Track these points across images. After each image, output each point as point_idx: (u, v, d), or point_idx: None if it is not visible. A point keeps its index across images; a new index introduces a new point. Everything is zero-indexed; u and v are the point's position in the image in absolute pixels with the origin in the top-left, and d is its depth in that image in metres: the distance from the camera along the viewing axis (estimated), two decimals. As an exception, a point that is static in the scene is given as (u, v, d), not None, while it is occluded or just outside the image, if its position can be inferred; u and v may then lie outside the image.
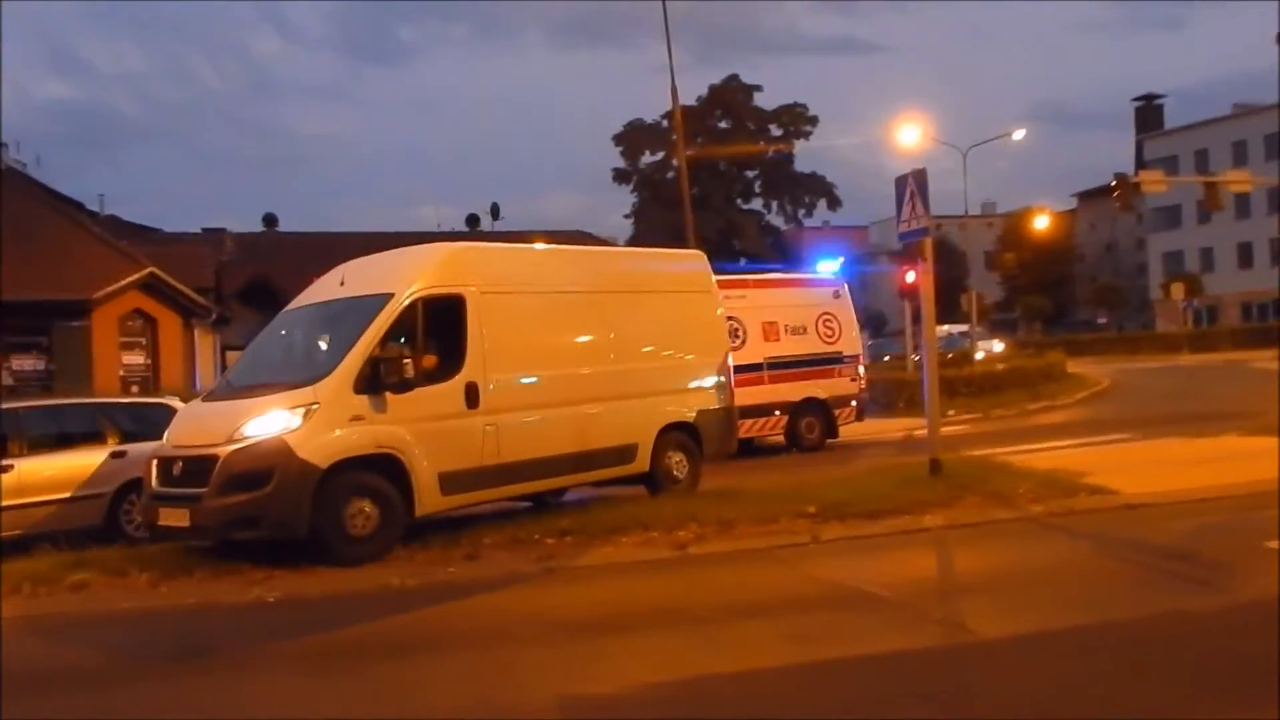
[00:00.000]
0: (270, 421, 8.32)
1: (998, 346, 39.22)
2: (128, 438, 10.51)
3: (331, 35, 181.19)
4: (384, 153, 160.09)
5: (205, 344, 24.98)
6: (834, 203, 60.14)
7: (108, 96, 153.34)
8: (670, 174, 52.62)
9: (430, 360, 9.15)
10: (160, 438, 9.19)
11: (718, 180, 57.40)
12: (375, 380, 8.57)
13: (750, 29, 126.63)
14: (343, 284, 9.80)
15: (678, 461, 10.99)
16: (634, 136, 58.22)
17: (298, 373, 8.93)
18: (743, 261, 40.86)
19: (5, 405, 11.03)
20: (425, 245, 10.30)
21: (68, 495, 10.02)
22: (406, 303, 9.04)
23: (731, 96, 58.60)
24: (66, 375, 19.82)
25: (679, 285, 11.73)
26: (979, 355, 31.10)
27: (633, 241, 50.87)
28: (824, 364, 17.16)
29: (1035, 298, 65.76)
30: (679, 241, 22.07)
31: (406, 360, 8.66)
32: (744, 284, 16.79)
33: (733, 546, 8.55)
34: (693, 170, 33.73)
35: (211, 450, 8.34)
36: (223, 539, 8.49)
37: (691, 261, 12.53)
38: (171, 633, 7.02)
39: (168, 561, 8.43)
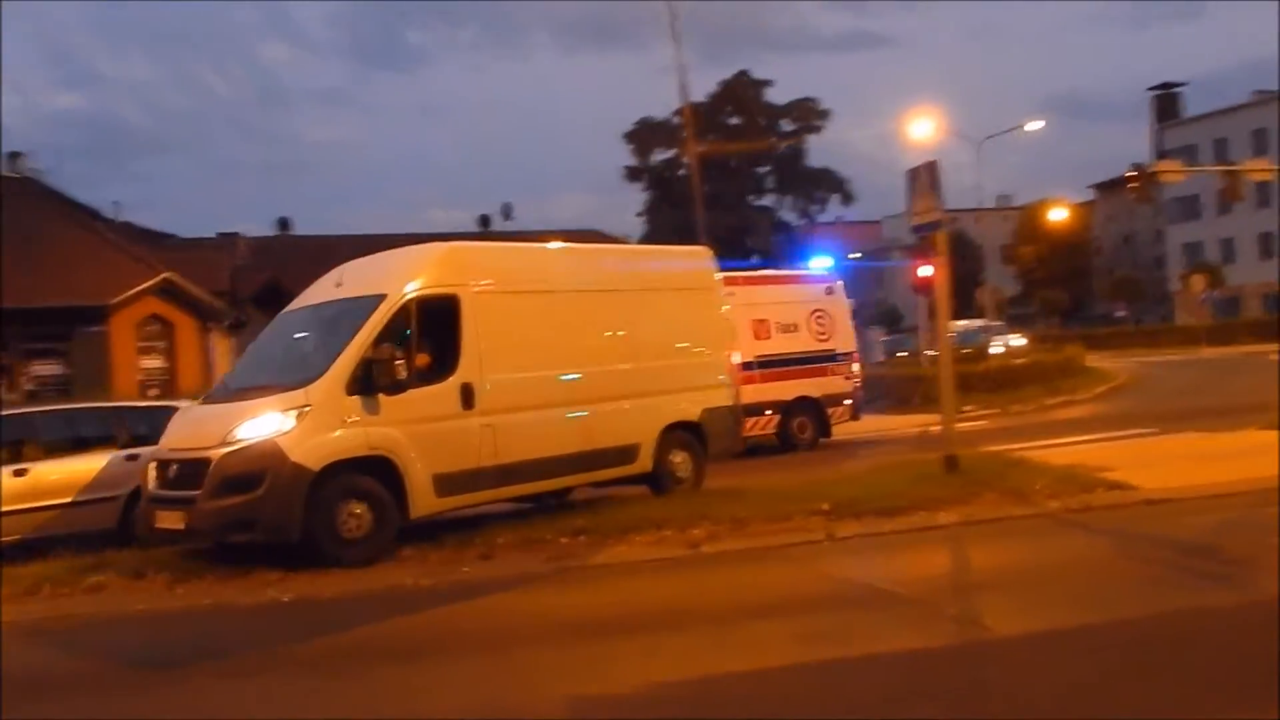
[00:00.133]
0: (263, 424, 8.32)
1: (1019, 341, 38.80)
2: (142, 441, 10.56)
3: (339, 41, 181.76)
4: (394, 157, 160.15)
5: (222, 347, 25.09)
6: (847, 198, 60.05)
7: (118, 106, 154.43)
8: (682, 171, 52.56)
9: (424, 361, 9.11)
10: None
11: (729, 177, 57.15)
12: (368, 382, 8.54)
13: (760, 28, 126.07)
14: (339, 285, 9.79)
15: (681, 461, 10.88)
16: (645, 134, 58.03)
17: (292, 375, 8.89)
18: (754, 258, 40.63)
19: (20, 410, 11.11)
20: (421, 245, 10.20)
21: (82, 498, 10.08)
22: (400, 303, 9.00)
23: (742, 92, 58.39)
24: (86, 381, 19.93)
25: (681, 283, 11.59)
26: (999, 349, 30.82)
27: (645, 240, 50.76)
28: (816, 362, 16.96)
29: (1052, 291, 65.25)
30: (691, 239, 22.01)
31: (399, 361, 8.61)
32: (732, 281, 16.58)
33: (746, 545, 8.51)
34: (704, 167, 33.69)
35: (205, 453, 8.35)
36: (220, 541, 8.51)
37: (695, 258, 12.37)
38: (188, 634, 7.08)
39: (184, 563, 8.49)
